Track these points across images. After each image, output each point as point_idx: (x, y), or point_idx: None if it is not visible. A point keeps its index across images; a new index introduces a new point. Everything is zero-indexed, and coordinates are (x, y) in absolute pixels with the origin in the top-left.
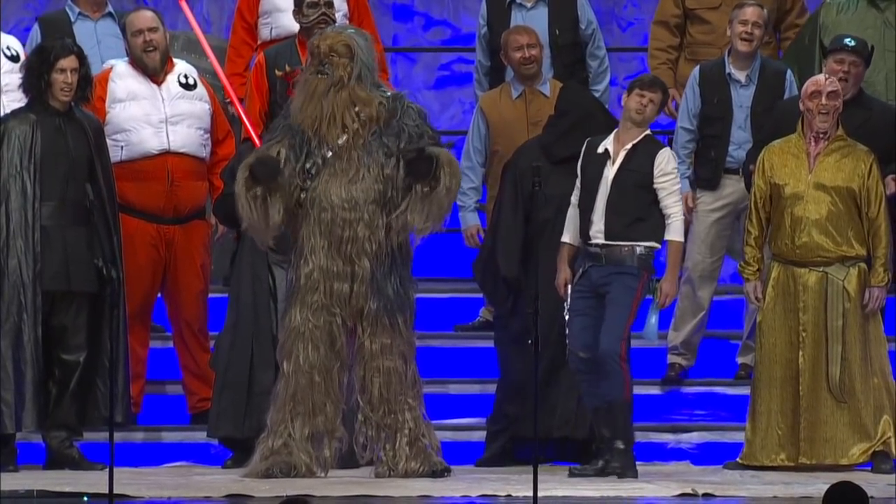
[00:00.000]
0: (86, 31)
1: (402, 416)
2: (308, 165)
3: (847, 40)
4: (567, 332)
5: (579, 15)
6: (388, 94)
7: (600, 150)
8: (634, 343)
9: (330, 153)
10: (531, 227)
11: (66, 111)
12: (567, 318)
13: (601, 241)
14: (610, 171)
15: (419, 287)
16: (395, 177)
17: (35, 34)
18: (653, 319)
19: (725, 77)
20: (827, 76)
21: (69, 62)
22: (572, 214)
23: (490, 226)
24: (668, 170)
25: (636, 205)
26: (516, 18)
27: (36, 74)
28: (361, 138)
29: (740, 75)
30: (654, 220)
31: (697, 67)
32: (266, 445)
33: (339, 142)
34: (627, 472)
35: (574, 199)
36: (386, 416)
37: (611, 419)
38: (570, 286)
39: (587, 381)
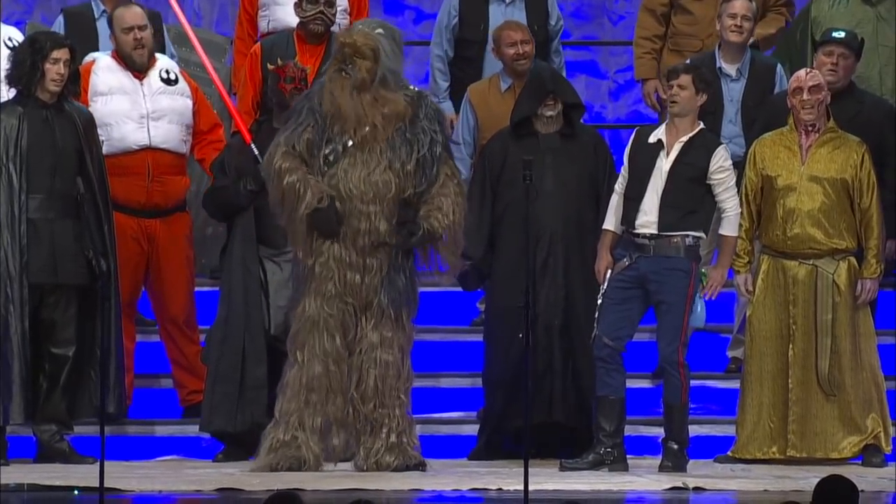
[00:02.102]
0: (108, 28)
1: (392, 412)
2: (327, 152)
3: (836, 32)
4: (597, 316)
5: (549, 11)
6: (413, 91)
7: (652, 139)
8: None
9: (350, 142)
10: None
11: (54, 104)
12: (600, 303)
13: (652, 231)
14: (664, 163)
15: None
16: (414, 175)
17: (59, 26)
18: (699, 307)
19: (716, 71)
20: (808, 70)
21: (62, 53)
22: (616, 202)
23: None
24: (725, 166)
25: (690, 197)
26: (495, 13)
27: (29, 64)
28: (386, 133)
29: (731, 69)
30: (704, 211)
31: (688, 61)
32: (275, 436)
33: (363, 133)
34: (680, 470)
35: (619, 187)
36: (375, 410)
37: (667, 421)
38: (609, 272)
39: (604, 369)
